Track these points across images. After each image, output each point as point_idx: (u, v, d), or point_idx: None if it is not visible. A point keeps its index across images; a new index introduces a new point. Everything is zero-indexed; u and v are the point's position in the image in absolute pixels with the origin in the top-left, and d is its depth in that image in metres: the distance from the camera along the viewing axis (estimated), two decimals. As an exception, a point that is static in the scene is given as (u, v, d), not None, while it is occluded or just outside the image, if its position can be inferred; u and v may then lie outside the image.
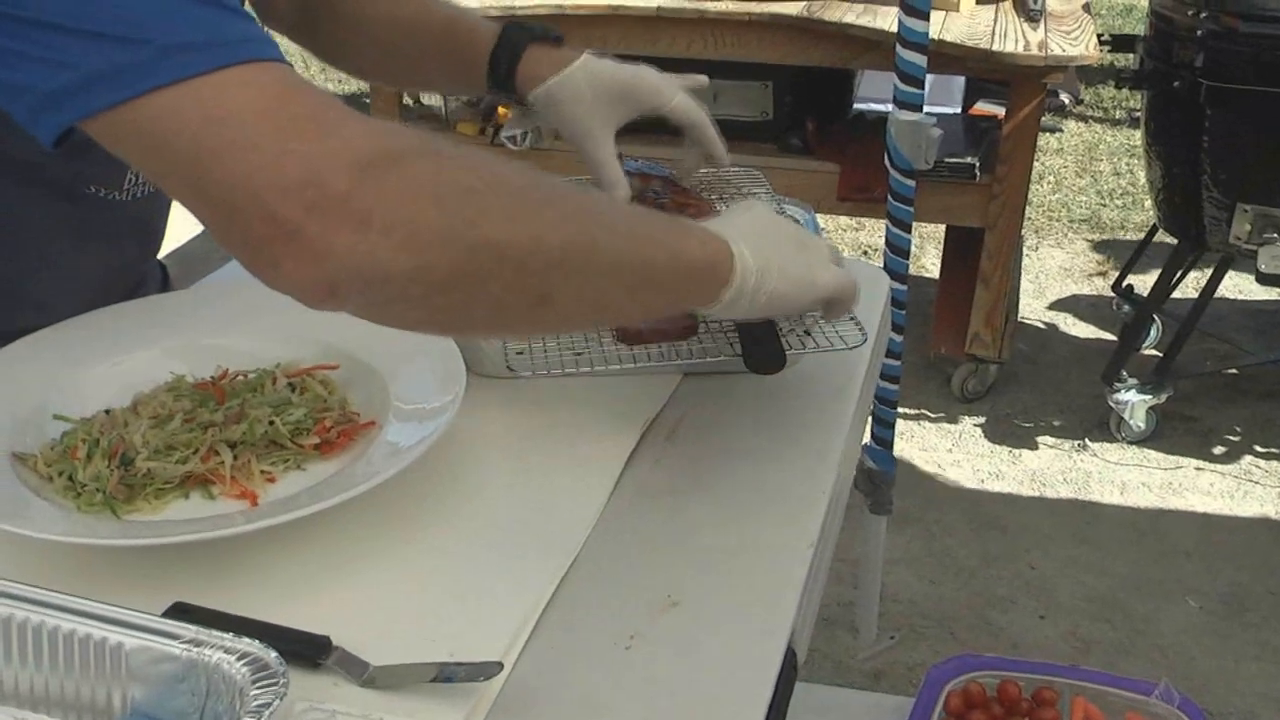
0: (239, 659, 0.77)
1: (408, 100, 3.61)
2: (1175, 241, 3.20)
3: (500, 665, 0.83)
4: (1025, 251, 4.18)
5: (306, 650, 0.86)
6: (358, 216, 0.74)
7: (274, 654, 0.77)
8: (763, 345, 1.06)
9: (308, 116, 0.75)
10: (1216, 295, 3.16)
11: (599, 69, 1.21)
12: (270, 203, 0.73)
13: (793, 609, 0.92)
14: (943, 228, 3.81)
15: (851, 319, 1.13)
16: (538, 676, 0.85)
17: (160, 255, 1.40)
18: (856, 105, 3.60)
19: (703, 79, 1.29)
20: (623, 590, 0.94)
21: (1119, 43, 3.19)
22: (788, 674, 0.89)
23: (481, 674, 0.82)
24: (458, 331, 0.98)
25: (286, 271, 0.75)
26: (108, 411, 1.08)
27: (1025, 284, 4.02)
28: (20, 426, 1.06)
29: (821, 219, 4.47)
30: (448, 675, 0.82)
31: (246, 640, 0.78)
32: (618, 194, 1.19)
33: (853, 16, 2.95)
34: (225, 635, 0.79)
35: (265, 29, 0.82)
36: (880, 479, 2.24)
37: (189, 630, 0.80)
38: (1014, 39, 2.89)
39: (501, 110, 3.43)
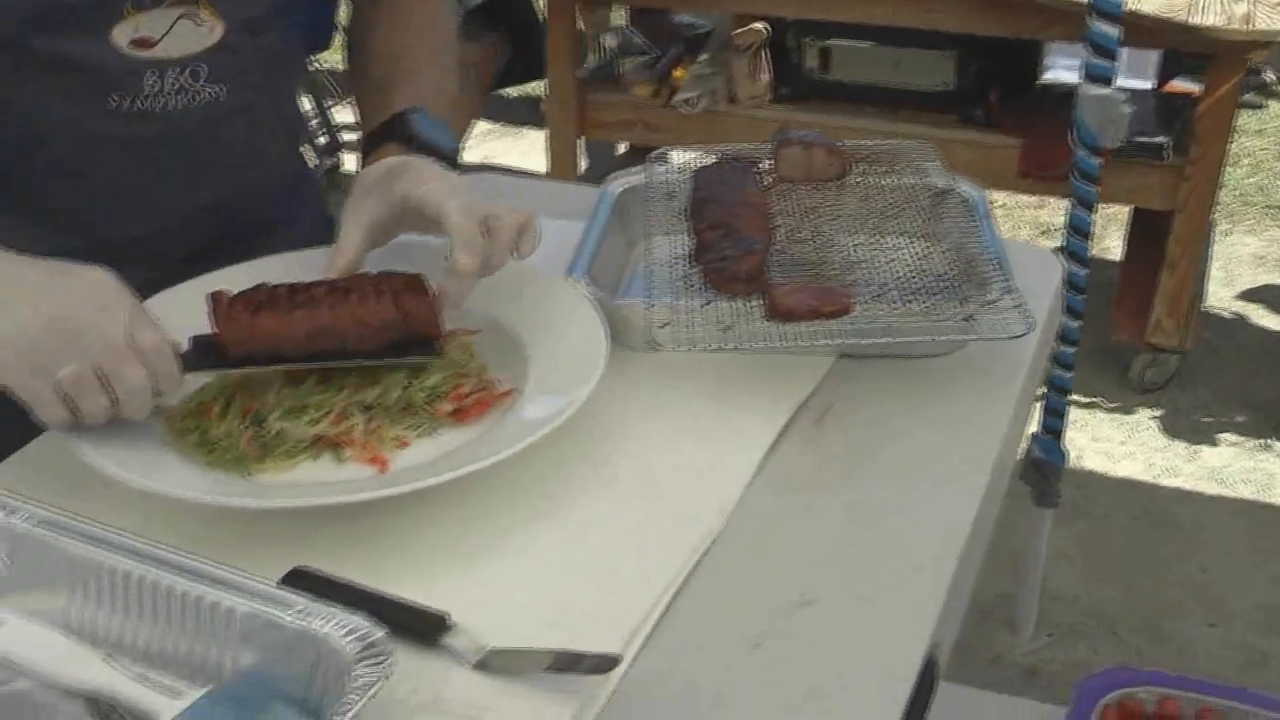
0: (347, 634, 0.75)
1: (589, 61, 3.56)
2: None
3: (618, 659, 0.79)
4: (1216, 237, 3.97)
5: (423, 627, 0.83)
6: None
7: (382, 632, 0.74)
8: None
9: None
10: None
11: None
12: None
13: (935, 615, 0.85)
14: (1125, 209, 3.63)
15: (1017, 307, 1.06)
16: (657, 674, 0.81)
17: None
18: (1043, 78, 3.45)
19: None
20: (755, 585, 0.89)
21: (1333, 18, 2.98)
22: (926, 683, 0.83)
23: (598, 667, 0.78)
24: None
25: None
26: (245, 366, 1.07)
27: (1214, 271, 3.82)
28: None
29: (1001, 195, 4.32)
30: (564, 665, 0.78)
31: (357, 616, 0.76)
32: (336, 263, 1.07)
33: (1043, -15, 2.81)
34: (336, 608, 0.76)
35: None
36: (1048, 470, 2.13)
37: (300, 600, 0.77)
38: (1215, 11, 2.72)
39: (677, 73, 3.36)
